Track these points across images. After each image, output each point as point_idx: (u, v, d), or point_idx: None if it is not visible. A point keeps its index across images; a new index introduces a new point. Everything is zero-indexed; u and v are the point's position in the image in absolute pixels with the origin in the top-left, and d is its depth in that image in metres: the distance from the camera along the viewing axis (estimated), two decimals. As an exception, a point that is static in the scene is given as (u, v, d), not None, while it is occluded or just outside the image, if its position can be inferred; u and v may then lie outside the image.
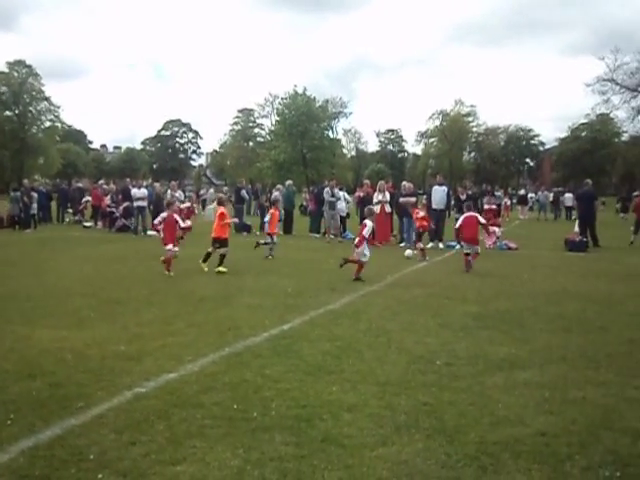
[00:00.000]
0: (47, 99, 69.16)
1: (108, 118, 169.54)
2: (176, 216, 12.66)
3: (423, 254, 15.61)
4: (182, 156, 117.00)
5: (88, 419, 4.54)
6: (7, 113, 66.67)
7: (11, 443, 4.08)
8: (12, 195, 24.29)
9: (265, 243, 15.29)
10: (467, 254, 13.44)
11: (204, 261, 12.52)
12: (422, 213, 16.36)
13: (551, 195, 43.19)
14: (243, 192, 24.34)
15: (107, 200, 25.35)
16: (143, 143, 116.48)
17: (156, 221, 12.85)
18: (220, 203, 13.70)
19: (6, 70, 66.30)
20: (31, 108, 67.77)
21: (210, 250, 12.63)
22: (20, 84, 65.93)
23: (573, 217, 33.50)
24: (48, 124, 70.43)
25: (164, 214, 12.55)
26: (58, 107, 70.67)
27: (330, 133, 76.23)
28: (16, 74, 66.87)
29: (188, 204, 25.81)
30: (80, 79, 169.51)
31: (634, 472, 3.89)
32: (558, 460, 4.00)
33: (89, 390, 5.16)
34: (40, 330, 7.19)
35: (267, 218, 16.32)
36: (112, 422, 4.48)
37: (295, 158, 69.91)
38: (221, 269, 12.23)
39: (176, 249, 12.24)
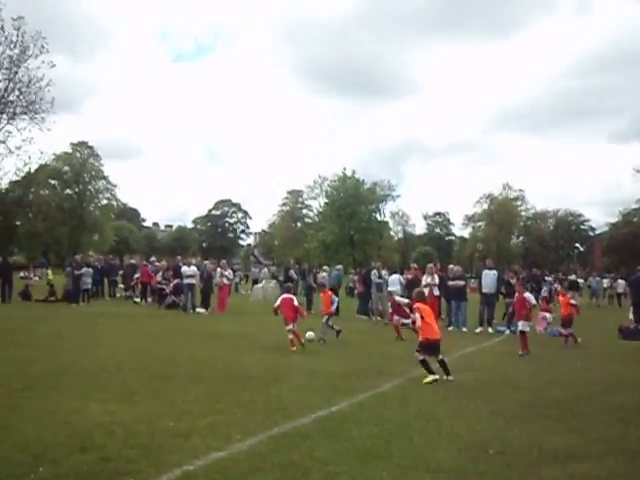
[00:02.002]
0: (105, 178, 71.88)
1: (161, 197, 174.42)
2: (292, 297, 13.23)
3: (573, 339, 15.75)
4: (231, 235, 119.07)
5: (138, 495, 4.55)
6: (68, 191, 69.39)
7: (62, 516, 4.11)
8: (67, 270, 25.04)
9: (330, 327, 14.86)
10: (523, 333, 13.29)
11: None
12: (573, 301, 16.77)
13: (606, 281, 42.19)
14: (292, 272, 24.55)
15: (158, 277, 25.84)
16: (194, 222, 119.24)
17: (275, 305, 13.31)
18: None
19: (69, 151, 69.50)
20: (90, 187, 70.42)
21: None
22: (81, 164, 68.85)
23: (623, 304, 32.65)
24: (105, 202, 72.92)
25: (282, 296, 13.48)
26: (115, 186, 73.38)
27: (378, 215, 76.78)
28: (78, 154, 69.94)
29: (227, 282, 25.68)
30: (136, 159, 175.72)
31: None
32: None
33: (139, 466, 5.17)
34: (92, 404, 7.28)
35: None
36: (161, 499, 4.48)
37: (342, 239, 70.38)
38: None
39: (290, 327, 12.84)
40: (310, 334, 13.67)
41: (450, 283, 19.75)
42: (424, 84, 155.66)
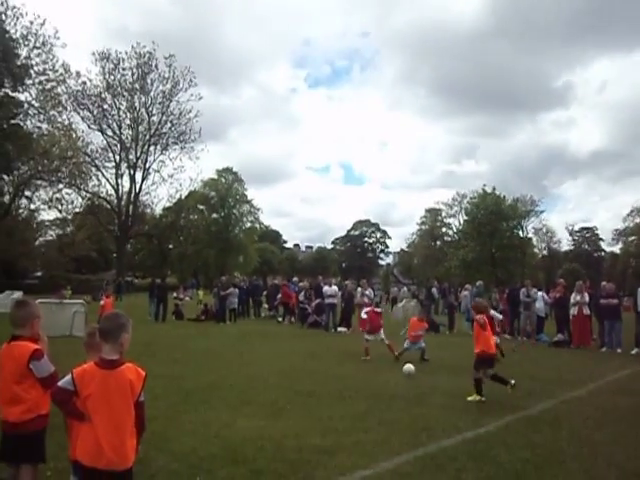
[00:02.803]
0: (249, 202, 74.81)
1: (301, 219, 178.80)
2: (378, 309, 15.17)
3: None
4: (370, 255, 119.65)
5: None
6: (214, 215, 72.84)
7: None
8: (215, 290, 26.28)
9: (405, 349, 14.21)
10: None
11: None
12: None
13: None
14: (433, 290, 24.30)
15: (300, 297, 26.43)
16: (333, 242, 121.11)
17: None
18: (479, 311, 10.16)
19: (215, 177, 73.12)
20: (235, 210, 73.50)
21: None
22: (227, 189, 72.11)
23: None
24: (248, 225, 75.82)
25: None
26: (258, 209, 76.17)
27: (520, 232, 74.27)
28: (224, 180, 73.35)
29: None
30: (277, 183, 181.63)
31: None
32: None
33: (288, 480, 5.30)
34: (241, 418, 7.56)
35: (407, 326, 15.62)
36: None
37: (484, 257, 68.63)
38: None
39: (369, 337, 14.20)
40: (409, 367, 11.56)
41: (602, 301, 18.67)
42: (567, 95, 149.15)
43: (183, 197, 61.72)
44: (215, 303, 26.34)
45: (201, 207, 72.04)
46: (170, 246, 70.74)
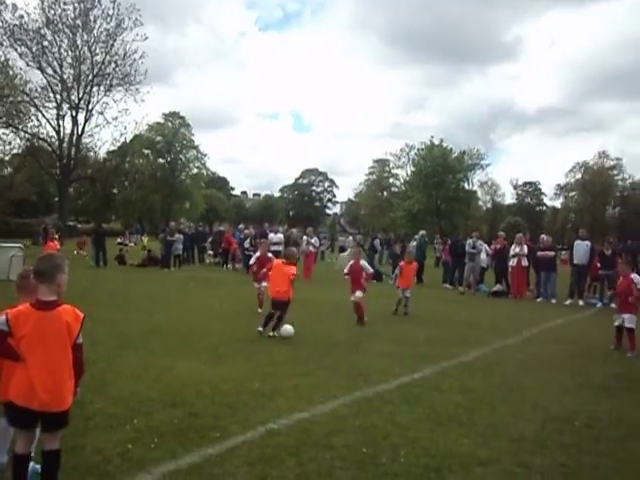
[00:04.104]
0: (195, 147, 73.49)
1: (249, 166, 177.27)
2: (270, 255, 12.89)
3: None
4: (318, 204, 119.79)
5: (223, 450, 4.73)
6: (160, 160, 71.42)
7: (154, 466, 4.34)
8: (161, 236, 26.02)
9: (399, 301, 13.92)
10: (631, 330, 10.12)
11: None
12: None
13: None
14: (376, 242, 24.56)
15: (245, 244, 26.39)
16: (281, 191, 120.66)
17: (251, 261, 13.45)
18: (287, 258, 10.92)
19: (162, 121, 71.40)
20: (181, 156, 72.19)
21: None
22: (173, 134, 70.61)
23: None
24: (195, 171, 74.66)
25: (257, 253, 13.34)
26: (205, 155, 74.93)
27: (466, 184, 75.27)
28: (170, 124, 71.75)
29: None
30: (225, 129, 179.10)
31: None
32: None
33: (225, 422, 5.37)
34: (181, 363, 7.59)
35: (396, 272, 15.41)
36: (245, 455, 4.64)
37: (429, 209, 69.57)
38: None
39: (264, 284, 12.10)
40: (288, 330, 9.89)
41: (539, 254, 19.25)
42: (516, 48, 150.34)
43: (128, 141, 60.08)
44: (161, 249, 26.08)
45: (147, 151, 70.46)
46: (114, 191, 69.27)
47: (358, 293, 11.91)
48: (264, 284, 12.07)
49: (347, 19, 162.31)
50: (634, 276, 10.44)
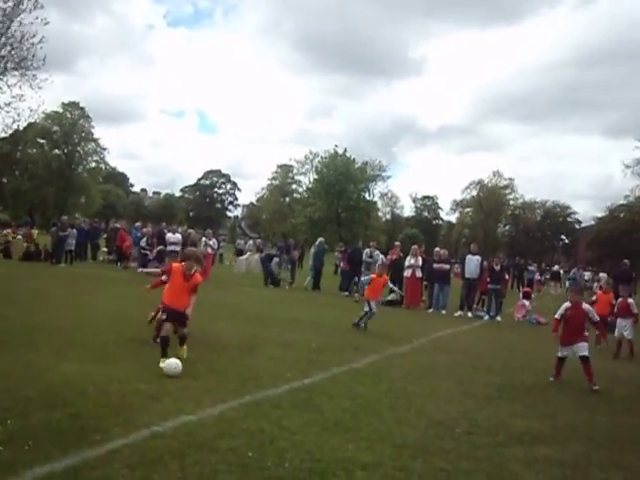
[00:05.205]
0: (95, 140, 71.22)
1: (150, 163, 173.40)
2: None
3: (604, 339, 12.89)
4: (219, 206, 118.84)
5: (103, 452, 4.57)
6: (56, 151, 68.66)
7: (26, 469, 4.12)
8: (52, 230, 24.94)
9: (365, 314, 13.31)
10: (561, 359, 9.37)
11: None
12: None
13: (587, 274, 42.68)
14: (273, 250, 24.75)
15: (142, 242, 25.76)
16: (182, 190, 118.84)
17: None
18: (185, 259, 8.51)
19: (60, 110, 68.62)
20: (79, 148, 69.73)
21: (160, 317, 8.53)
22: (72, 124, 68.08)
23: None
24: (93, 165, 72.35)
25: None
26: (104, 149, 72.74)
27: (367, 195, 76.88)
28: (69, 115, 69.13)
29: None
30: (127, 123, 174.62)
31: None
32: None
33: (107, 424, 5.19)
34: (66, 362, 7.28)
35: (366, 279, 14.57)
36: (126, 458, 4.50)
37: (330, 217, 70.53)
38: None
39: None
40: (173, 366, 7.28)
41: (435, 266, 19.85)
42: (422, 66, 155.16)
43: (21, 128, 57.32)
44: (51, 243, 25.01)
45: (41, 141, 67.63)
46: (4, 180, 65.95)
47: None
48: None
49: (258, 22, 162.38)
50: (585, 306, 9.51)
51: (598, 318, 9.70)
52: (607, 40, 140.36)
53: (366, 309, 13.30)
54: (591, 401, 8.07)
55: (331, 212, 70.57)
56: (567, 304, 9.45)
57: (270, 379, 7.49)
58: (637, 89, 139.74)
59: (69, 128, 67.88)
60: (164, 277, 8.87)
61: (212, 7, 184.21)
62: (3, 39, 51.39)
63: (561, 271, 45.88)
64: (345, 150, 73.26)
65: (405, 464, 4.95)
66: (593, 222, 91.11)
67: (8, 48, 51.83)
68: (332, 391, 7.19)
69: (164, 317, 8.04)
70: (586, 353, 8.95)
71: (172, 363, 7.26)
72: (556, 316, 9.56)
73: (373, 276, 14.06)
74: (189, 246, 22.21)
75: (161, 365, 7.34)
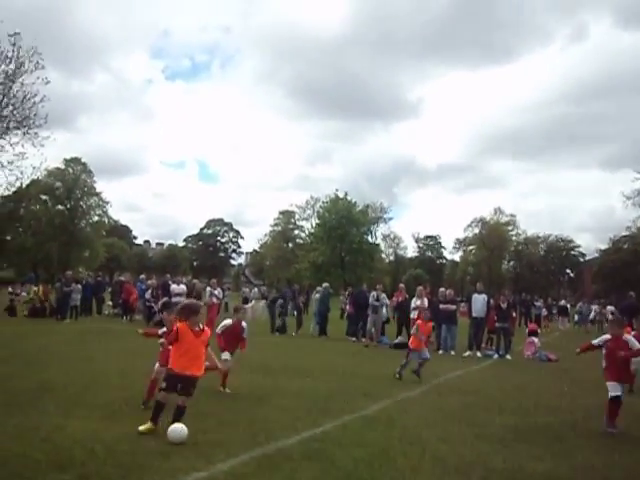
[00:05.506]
0: (97, 195, 71.57)
1: (153, 215, 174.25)
2: (244, 324, 10.35)
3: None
4: (222, 254, 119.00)
5: (115, 515, 4.49)
6: (59, 207, 69.02)
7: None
8: (57, 286, 24.98)
9: (405, 363, 12.62)
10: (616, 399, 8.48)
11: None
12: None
13: (594, 307, 42.47)
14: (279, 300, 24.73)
15: (147, 295, 25.75)
16: (185, 240, 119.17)
17: (218, 329, 10.30)
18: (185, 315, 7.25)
19: (62, 166, 69.22)
20: (82, 203, 70.07)
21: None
22: (74, 180, 68.56)
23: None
24: (96, 219, 72.59)
25: (229, 321, 10.31)
26: (107, 203, 73.04)
27: (369, 237, 77.03)
28: (71, 170, 69.65)
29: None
30: (129, 177, 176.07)
31: None
32: None
33: (118, 485, 5.12)
34: (74, 421, 7.21)
35: (413, 331, 13.36)
36: (139, 519, 4.42)
37: (333, 261, 70.51)
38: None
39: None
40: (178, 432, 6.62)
41: (441, 307, 19.76)
42: (419, 107, 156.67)
43: (24, 186, 57.82)
44: (55, 299, 25.04)
45: (44, 197, 68.06)
46: (8, 237, 66.20)
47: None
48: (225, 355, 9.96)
49: (254, 72, 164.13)
50: (628, 338, 8.86)
51: (639, 346, 8.73)
52: (599, 75, 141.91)
53: (409, 359, 12.60)
54: (609, 440, 7.93)
55: (334, 256, 70.60)
56: (607, 336, 8.99)
57: (281, 430, 7.40)
58: (632, 121, 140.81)
59: (71, 183, 68.34)
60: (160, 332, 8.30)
61: (209, 60, 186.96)
62: (5, 99, 52.26)
63: (568, 305, 45.63)
64: (346, 194, 73.78)
65: (422, 514, 4.85)
66: (597, 254, 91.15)
67: (10, 108, 52.49)
68: (344, 440, 7.08)
69: (164, 386, 7.02)
70: (619, 393, 8.43)
71: (177, 428, 6.59)
72: (594, 342, 9.20)
73: (419, 322, 13.19)
74: (194, 297, 22.24)
75: (140, 429, 6.72)
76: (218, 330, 10.25)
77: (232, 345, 10.14)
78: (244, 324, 10.34)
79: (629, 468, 6.59)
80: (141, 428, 6.71)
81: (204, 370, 7.43)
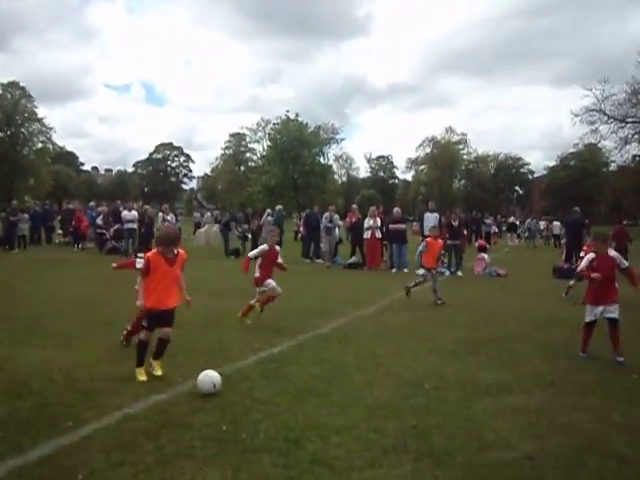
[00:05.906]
0: (39, 120, 69.06)
1: (100, 140, 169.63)
2: (277, 248, 10.13)
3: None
4: (173, 179, 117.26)
5: (76, 439, 4.55)
6: (-1, 134, 66.62)
7: (-1, 462, 4.08)
8: (2, 216, 24.33)
9: (415, 284, 12.76)
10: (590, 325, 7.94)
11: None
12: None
13: (542, 223, 43.70)
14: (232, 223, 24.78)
15: (98, 221, 25.36)
16: (134, 166, 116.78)
17: (252, 254, 10.09)
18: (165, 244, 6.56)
19: (-1, 91, 66.36)
20: (23, 129, 67.64)
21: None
22: (13, 105, 65.88)
23: (558, 245, 33.76)
24: (40, 145, 70.26)
25: (265, 246, 10.03)
26: (50, 129, 70.59)
27: (321, 159, 76.58)
28: (9, 95, 66.75)
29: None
30: (72, 101, 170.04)
31: (619, 496, 3.92)
32: (544, 484, 4.04)
33: (78, 410, 5.16)
34: (29, 350, 7.19)
35: (421, 248, 12.83)
36: (101, 442, 4.49)
37: (286, 183, 70.09)
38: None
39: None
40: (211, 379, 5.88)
41: (391, 227, 19.99)
42: (369, 24, 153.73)
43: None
44: (2, 228, 24.44)
45: (-18, 124, 65.45)
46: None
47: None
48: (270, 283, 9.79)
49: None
50: (614, 254, 7.94)
51: (627, 263, 8.13)
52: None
53: (421, 278, 12.65)
54: (553, 349, 8.28)
55: (287, 178, 70.12)
56: (591, 255, 8.00)
57: (238, 351, 7.52)
58: (584, 37, 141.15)
59: (10, 109, 65.65)
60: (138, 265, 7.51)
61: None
62: None
63: (517, 222, 46.75)
64: (297, 115, 72.66)
65: (378, 425, 5.04)
66: (545, 172, 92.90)
67: None
68: (301, 358, 7.25)
69: (145, 325, 6.56)
70: (616, 315, 7.62)
71: (207, 382, 5.80)
72: (580, 269, 8.22)
73: (429, 240, 12.86)
74: (147, 223, 21.99)
75: (140, 379, 6.18)
76: (251, 255, 10.01)
77: (270, 271, 9.89)
78: (278, 248, 10.19)
79: (570, 373, 6.92)
80: (140, 378, 6.20)
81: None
